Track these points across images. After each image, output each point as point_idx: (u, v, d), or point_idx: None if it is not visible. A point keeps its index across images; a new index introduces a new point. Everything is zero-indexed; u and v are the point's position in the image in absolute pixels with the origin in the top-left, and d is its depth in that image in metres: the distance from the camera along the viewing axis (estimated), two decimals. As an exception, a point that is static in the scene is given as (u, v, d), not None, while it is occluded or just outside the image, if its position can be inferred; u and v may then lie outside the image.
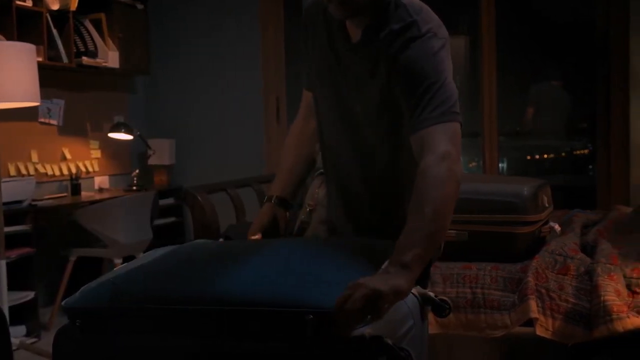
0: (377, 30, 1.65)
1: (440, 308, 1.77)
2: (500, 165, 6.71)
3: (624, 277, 2.37)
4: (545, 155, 6.38)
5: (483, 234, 2.60)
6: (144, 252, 4.31)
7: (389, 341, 1.37)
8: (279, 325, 1.35)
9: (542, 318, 2.36)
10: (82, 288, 1.49)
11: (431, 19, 1.64)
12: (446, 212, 1.48)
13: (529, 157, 6.55)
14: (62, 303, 1.47)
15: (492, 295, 2.45)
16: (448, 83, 1.60)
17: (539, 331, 2.35)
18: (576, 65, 5.57)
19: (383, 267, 1.44)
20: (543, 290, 2.39)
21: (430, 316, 2.54)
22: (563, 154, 6.27)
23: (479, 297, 2.46)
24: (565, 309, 2.35)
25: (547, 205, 2.75)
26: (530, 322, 2.38)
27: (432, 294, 1.78)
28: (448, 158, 1.50)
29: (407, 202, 1.57)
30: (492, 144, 4.55)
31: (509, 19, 5.97)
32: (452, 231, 2.62)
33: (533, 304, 2.35)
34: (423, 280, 1.91)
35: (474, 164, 6.80)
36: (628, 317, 2.21)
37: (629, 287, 2.35)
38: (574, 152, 6.21)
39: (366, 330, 1.37)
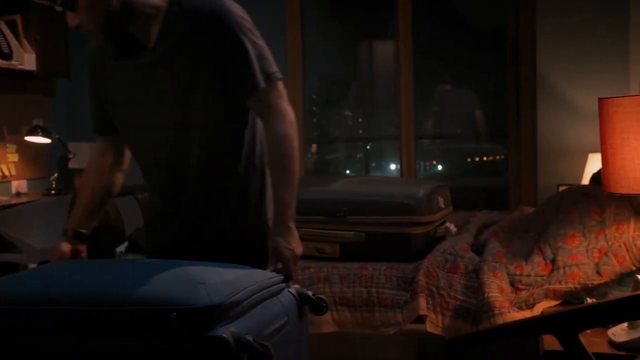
0: (171, 21, 1.72)
1: (317, 307, 1.84)
2: (439, 167, 6.85)
3: (508, 274, 2.48)
4: (485, 158, 6.54)
5: (379, 234, 2.69)
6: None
7: (250, 338, 1.42)
8: (146, 323, 1.40)
9: (432, 315, 2.45)
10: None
11: None
12: (297, 161, 1.76)
13: (468, 159, 6.71)
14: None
15: (385, 294, 2.53)
16: (261, 39, 1.76)
17: (429, 327, 2.44)
18: (495, 71, 5.74)
19: (284, 223, 1.73)
20: (433, 289, 2.48)
21: (329, 316, 2.63)
22: (502, 156, 6.45)
23: (374, 296, 2.54)
24: (454, 305, 2.45)
25: (443, 206, 2.85)
26: (423, 319, 2.48)
27: (310, 293, 1.84)
28: (288, 115, 1.74)
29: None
30: (409, 148, 4.66)
31: (432, 24, 6.13)
32: (350, 232, 2.71)
33: (423, 302, 2.44)
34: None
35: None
36: (509, 312, 2.32)
37: (512, 283, 2.47)
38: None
39: (229, 328, 1.43)
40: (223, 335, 1.39)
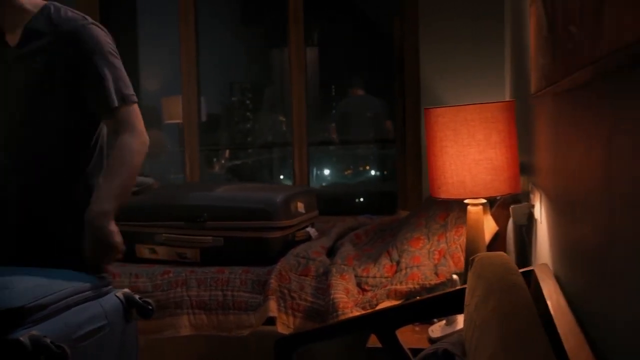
0: (38, 28, 1.83)
1: (144, 310, 1.90)
2: (372, 172, 6.96)
3: (356, 276, 2.59)
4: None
5: (237, 239, 2.76)
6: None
7: (48, 341, 1.48)
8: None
9: (283, 316, 2.54)
10: None
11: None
12: (136, 174, 1.91)
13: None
14: None
15: (240, 297, 2.61)
16: (120, 62, 1.89)
17: (280, 328, 2.52)
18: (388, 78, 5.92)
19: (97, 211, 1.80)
20: (285, 291, 2.57)
21: (186, 319, 2.67)
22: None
23: (229, 299, 2.61)
24: (305, 307, 2.54)
25: (302, 211, 2.94)
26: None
27: (136, 297, 1.90)
28: (142, 134, 1.89)
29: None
30: (301, 154, 4.74)
31: (339, 29, 6.26)
32: (209, 237, 2.77)
33: (273, 304, 2.52)
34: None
35: (349, 170, 7.05)
36: (352, 312, 2.42)
37: (359, 285, 2.57)
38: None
39: (31, 331, 1.48)
40: (20, 338, 1.44)
